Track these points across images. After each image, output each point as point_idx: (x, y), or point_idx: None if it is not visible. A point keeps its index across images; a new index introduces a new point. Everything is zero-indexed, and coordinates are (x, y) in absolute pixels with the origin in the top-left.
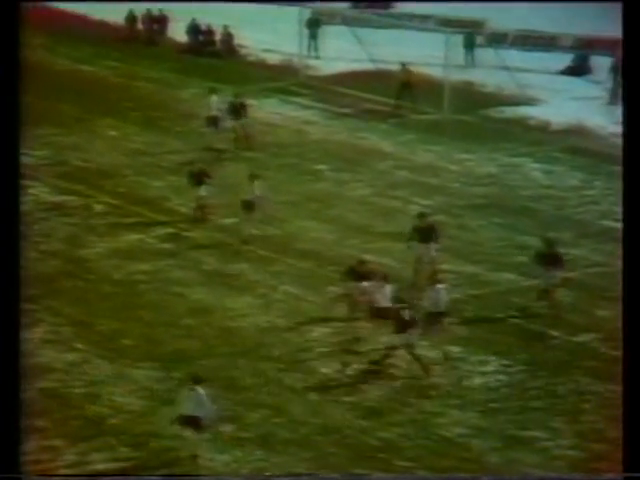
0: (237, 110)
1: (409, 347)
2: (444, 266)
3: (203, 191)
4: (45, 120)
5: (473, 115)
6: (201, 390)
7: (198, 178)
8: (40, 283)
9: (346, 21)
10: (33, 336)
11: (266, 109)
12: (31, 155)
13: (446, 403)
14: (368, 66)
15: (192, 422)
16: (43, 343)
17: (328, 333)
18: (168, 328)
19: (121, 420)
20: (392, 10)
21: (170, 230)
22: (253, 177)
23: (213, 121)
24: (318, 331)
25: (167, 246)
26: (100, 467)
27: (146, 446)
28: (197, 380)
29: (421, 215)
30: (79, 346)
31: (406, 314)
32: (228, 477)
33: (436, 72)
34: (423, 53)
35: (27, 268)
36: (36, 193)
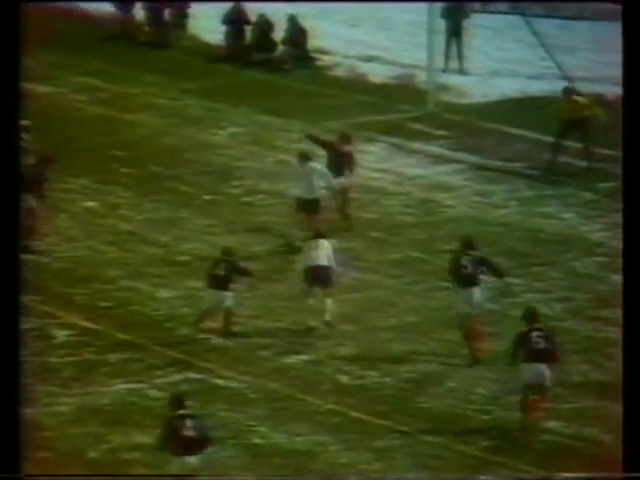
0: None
1: None
2: None
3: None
4: None
5: None
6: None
7: (222, 280)
8: None
9: (517, 5)
10: None
11: (366, 162)
12: None
13: None
14: (556, 87)
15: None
16: None
17: None
18: None
19: None
20: None
21: (193, 375)
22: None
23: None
24: None
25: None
26: None
27: None
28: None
29: None
30: None
31: None
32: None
33: None
34: None
35: None
36: None
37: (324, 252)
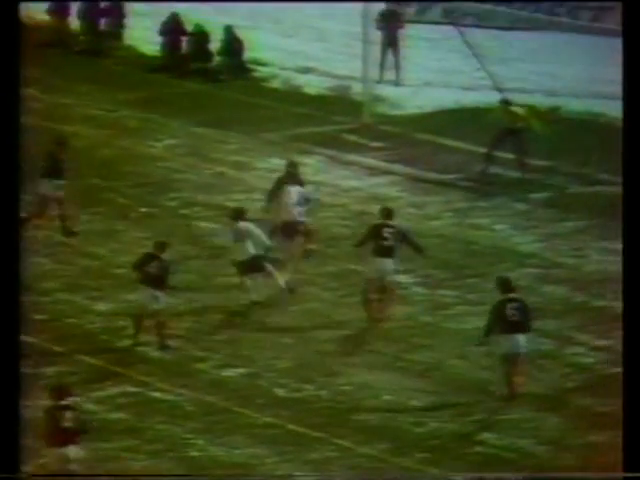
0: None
1: None
2: None
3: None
4: None
5: None
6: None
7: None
8: None
9: (450, 15)
10: None
11: (303, 174)
12: None
13: None
14: (490, 98)
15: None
16: None
17: None
18: None
19: None
20: None
21: (130, 388)
22: None
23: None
24: None
25: (122, 416)
26: None
27: None
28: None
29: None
30: None
31: None
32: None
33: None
34: (606, 77)
35: None
36: None
37: (249, 239)
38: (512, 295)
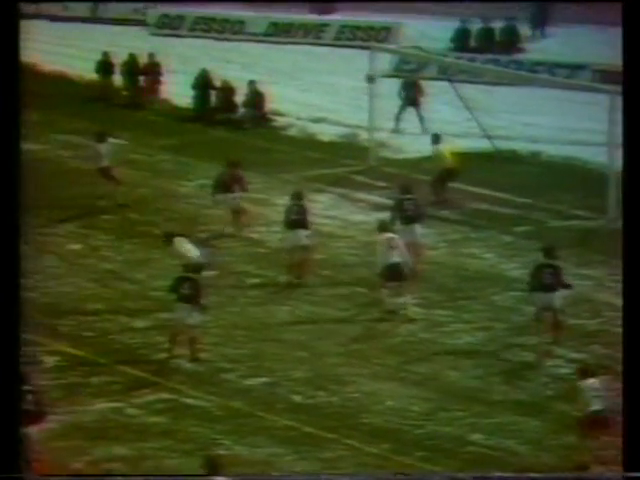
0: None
1: None
2: None
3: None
4: None
5: None
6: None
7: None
8: None
9: (445, 72)
10: None
11: (317, 210)
12: None
13: None
14: (483, 145)
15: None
16: None
17: None
18: None
19: None
20: (518, 56)
21: (166, 395)
22: None
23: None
24: None
25: (159, 419)
26: None
27: None
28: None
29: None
30: None
31: None
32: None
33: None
34: (580, 126)
35: None
36: None
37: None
38: (548, 261)
